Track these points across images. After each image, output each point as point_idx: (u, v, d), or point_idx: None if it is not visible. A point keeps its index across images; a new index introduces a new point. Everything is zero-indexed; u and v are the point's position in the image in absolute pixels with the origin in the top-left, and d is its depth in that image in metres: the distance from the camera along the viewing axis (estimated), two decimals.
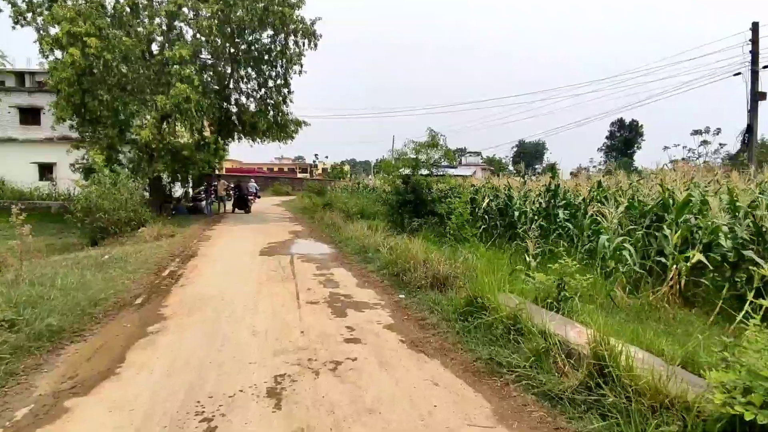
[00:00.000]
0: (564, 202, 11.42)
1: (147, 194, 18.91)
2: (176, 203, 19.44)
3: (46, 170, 25.26)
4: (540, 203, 11.39)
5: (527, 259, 8.67)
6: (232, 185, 22.26)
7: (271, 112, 17.72)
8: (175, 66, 14.20)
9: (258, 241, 11.41)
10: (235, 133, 19.53)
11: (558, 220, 10.70)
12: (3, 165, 24.00)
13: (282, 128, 17.84)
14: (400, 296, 5.97)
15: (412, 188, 14.01)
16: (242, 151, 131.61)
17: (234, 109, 18.39)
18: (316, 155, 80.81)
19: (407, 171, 14.63)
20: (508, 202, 12.60)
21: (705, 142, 62.25)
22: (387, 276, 7.10)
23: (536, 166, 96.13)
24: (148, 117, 14.13)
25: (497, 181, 19.43)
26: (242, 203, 21.17)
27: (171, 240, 11.52)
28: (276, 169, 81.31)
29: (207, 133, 20.30)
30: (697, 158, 48.50)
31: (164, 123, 15.10)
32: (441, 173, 15.24)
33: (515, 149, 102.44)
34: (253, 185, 33.95)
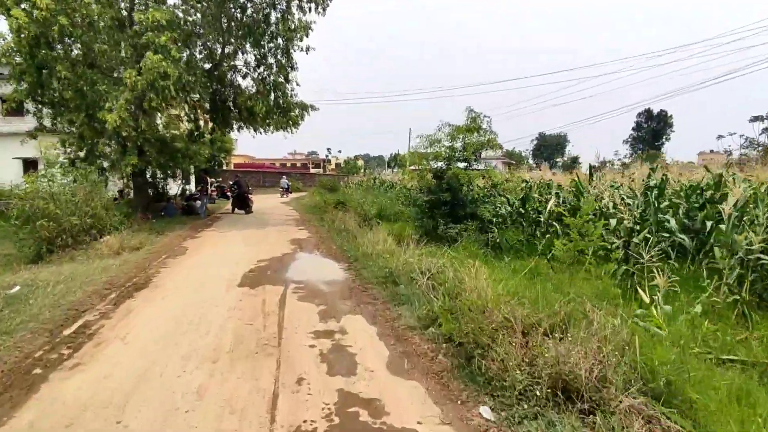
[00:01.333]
0: (666, 203, 8.22)
1: (131, 193, 16.31)
2: (166, 203, 16.66)
3: (30, 166, 22.83)
4: (632, 205, 8.17)
5: (646, 297, 5.53)
6: (230, 182, 19.49)
7: (272, 95, 14.72)
8: (148, 33, 11.30)
9: (246, 257, 8.46)
10: (233, 121, 16.65)
11: (668, 230, 7.50)
12: None
13: (284, 113, 14.84)
14: (483, 415, 2.89)
15: (448, 185, 10.94)
16: (255, 147, 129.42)
17: (230, 92, 15.46)
18: (328, 149, 78.41)
19: (440, 163, 11.57)
20: (579, 204, 9.43)
21: None
22: (441, 341, 4.04)
23: (557, 160, 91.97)
24: (121, 99, 11.25)
25: (542, 174, 16.21)
26: (242, 203, 18.32)
27: (132, 255, 8.68)
28: (288, 164, 78.97)
29: (202, 122, 17.52)
30: (758, 148, 43.75)
31: (145, 106, 12.15)
32: (482, 166, 12.10)
33: (535, 142, 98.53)
34: (284, 181, 32.10)
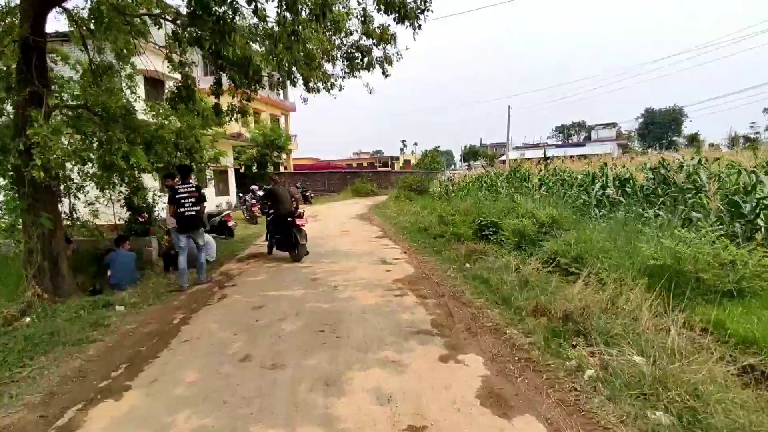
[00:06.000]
0: None
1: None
2: (115, 249, 7.25)
3: None
4: None
5: None
6: (259, 191, 9.86)
7: None
8: None
9: None
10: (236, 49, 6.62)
11: None
12: None
13: None
14: None
15: None
16: (319, 148, 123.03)
17: None
18: (403, 142, 69.09)
19: None
20: None
21: None
22: None
23: (673, 138, 74.07)
24: None
25: None
26: (285, 235, 8.58)
27: None
28: (354, 164, 70.80)
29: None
30: None
31: None
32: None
33: (641, 119, 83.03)
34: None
